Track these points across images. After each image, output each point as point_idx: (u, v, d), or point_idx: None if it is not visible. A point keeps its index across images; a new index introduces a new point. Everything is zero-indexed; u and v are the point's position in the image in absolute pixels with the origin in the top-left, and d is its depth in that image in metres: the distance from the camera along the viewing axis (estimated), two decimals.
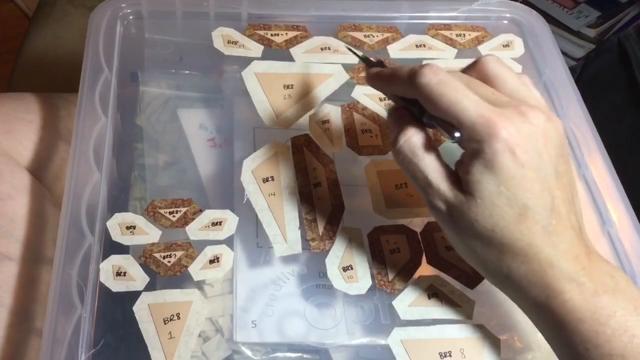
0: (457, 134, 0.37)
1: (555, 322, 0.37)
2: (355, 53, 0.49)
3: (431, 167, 0.39)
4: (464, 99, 0.36)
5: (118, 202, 0.51)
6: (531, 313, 0.39)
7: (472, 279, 0.46)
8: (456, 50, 0.58)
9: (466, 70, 0.41)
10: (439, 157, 0.39)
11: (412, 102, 0.40)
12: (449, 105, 0.37)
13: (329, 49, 0.56)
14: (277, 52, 0.56)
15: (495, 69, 0.40)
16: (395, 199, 0.49)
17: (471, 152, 0.37)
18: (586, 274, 0.37)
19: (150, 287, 0.44)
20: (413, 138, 0.39)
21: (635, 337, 0.35)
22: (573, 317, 0.36)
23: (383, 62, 0.46)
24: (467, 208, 0.37)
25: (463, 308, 0.45)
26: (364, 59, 0.47)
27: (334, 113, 0.53)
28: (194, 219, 0.47)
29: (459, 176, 0.38)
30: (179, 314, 0.43)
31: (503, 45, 0.59)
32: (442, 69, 0.38)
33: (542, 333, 0.39)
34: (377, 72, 0.43)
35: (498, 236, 0.37)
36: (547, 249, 0.37)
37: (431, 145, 0.40)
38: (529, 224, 0.36)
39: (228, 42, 0.55)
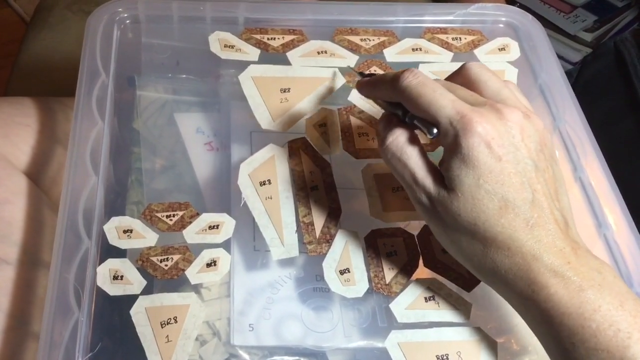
0: (435, 130, 0.39)
1: (542, 316, 0.37)
2: (353, 70, 0.54)
3: (417, 164, 0.41)
4: (441, 99, 0.39)
5: (115, 206, 0.51)
6: (519, 308, 0.40)
7: (469, 282, 0.46)
8: (452, 54, 0.58)
9: (451, 76, 0.44)
10: (424, 154, 0.41)
11: (397, 105, 0.42)
12: (427, 104, 0.39)
13: (326, 52, 0.56)
14: (274, 56, 0.56)
15: (478, 73, 0.42)
16: (392, 202, 0.49)
17: (449, 149, 0.38)
18: (572, 268, 0.37)
19: (147, 291, 0.44)
20: (400, 137, 0.41)
21: (620, 332, 0.35)
22: (559, 311, 0.36)
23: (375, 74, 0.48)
24: (449, 203, 0.38)
25: (460, 311, 0.45)
26: (360, 74, 0.50)
27: (330, 116, 0.53)
28: (191, 222, 0.47)
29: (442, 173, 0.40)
30: (176, 317, 0.43)
31: (499, 49, 0.59)
32: (422, 73, 0.40)
33: (531, 329, 0.39)
34: (365, 80, 0.46)
35: (481, 230, 0.38)
36: (530, 242, 0.37)
37: (417, 143, 0.41)
38: (510, 217, 0.37)
39: (225, 46, 0.55)
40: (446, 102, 0.38)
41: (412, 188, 0.41)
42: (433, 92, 0.39)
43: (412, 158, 0.41)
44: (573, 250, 0.38)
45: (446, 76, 0.45)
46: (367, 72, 0.50)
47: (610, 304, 0.36)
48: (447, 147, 0.39)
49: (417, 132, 0.42)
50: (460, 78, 0.43)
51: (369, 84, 0.45)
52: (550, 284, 0.37)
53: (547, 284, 0.37)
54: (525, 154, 0.38)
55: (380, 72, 0.57)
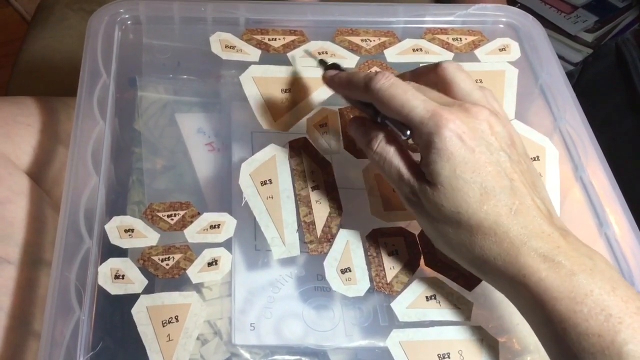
0: (408, 132, 0.41)
1: (533, 302, 0.37)
2: (312, 56, 0.53)
3: (400, 161, 0.42)
4: (413, 99, 0.40)
5: (116, 206, 0.51)
6: (511, 295, 0.40)
7: (470, 281, 0.46)
8: (453, 54, 0.58)
9: (426, 73, 0.45)
10: (404, 151, 0.43)
11: (367, 104, 0.44)
12: (400, 106, 0.40)
13: (326, 53, 0.57)
14: (275, 57, 0.56)
15: (453, 74, 0.43)
16: (393, 201, 0.49)
17: (424, 146, 0.40)
18: (562, 252, 0.37)
19: (148, 290, 0.44)
20: (383, 139, 0.43)
21: (611, 317, 0.35)
22: (550, 295, 0.37)
23: (339, 65, 0.49)
24: (432, 195, 0.40)
25: (461, 310, 0.45)
26: (321, 62, 0.51)
27: (331, 116, 0.53)
28: (192, 222, 0.47)
29: None
30: (177, 316, 0.43)
31: (499, 49, 0.59)
32: (393, 75, 0.42)
33: (523, 315, 0.40)
34: (334, 75, 0.47)
35: (465, 217, 0.39)
36: (516, 227, 0.38)
37: (396, 141, 0.43)
38: (491, 203, 0.38)
39: (226, 47, 0.56)
40: (417, 103, 0.40)
41: (399, 185, 0.42)
42: (405, 93, 0.40)
43: (395, 156, 0.42)
44: (562, 236, 0.38)
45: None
46: (329, 61, 0.50)
47: (602, 289, 0.36)
48: (422, 145, 0.40)
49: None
50: (434, 76, 0.44)
51: (339, 82, 0.46)
52: (541, 268, 0.37)
53: (538, 269, 0.37)
54: (497, 146, 0.40)
55: (378, 70, 0.57)
